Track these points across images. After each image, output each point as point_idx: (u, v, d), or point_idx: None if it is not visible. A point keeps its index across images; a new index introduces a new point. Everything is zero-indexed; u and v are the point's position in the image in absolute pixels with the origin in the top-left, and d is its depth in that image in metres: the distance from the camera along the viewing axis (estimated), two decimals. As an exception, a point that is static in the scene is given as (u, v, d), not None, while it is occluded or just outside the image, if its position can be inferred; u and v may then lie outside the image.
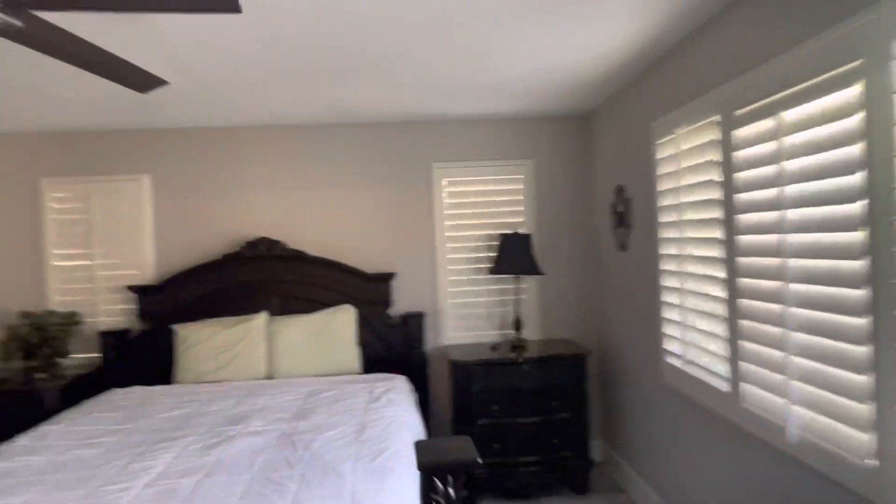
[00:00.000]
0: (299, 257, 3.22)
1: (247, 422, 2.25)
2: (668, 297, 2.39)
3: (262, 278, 3.20)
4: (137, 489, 1.63)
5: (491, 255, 3.31)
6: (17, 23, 1.28)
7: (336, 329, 3.09)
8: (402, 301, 3.36)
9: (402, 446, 1.93)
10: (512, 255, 3.18)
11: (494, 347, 3.17)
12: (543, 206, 3.43)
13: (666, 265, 2.40)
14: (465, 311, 3.40)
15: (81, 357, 3.15)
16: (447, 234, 3.38)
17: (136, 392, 2.76)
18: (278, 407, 2.45)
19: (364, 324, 3.22)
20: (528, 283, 3.39)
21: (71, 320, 3.06)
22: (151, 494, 1.59)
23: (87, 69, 1.55)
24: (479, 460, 1.03)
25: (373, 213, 3.37)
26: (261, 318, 3.08)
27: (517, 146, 3.42)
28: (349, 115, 3.18)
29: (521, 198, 3.42)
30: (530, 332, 3.39)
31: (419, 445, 1.09)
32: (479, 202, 3.40)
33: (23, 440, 2.11)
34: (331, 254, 3.28)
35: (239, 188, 3.30)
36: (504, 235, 3.20)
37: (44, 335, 2.94)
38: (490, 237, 3.36)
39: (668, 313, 2.40)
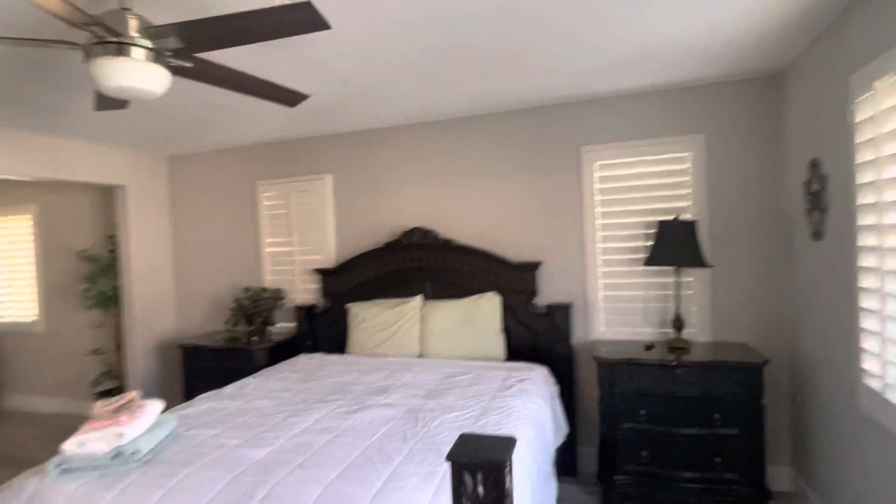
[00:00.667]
0: (449, 245, 3.40)
1: (387, 394, 2.49)
2: (866, 302, 1.86)
3: (417, 264, 3.47)
4: (284, 439, 1.96)
5: (648, 244, 3.00)
6: (188, 64, 1.64)
7: (481, 315, 3.19)
8: (549, 291, 3.28)
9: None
10: (672, 245, 2.83)
11: (649, 347, 2.88)
12: (716, 188, 2.96)
13: (864, 260, 1.87)
14: (618, 304, 3.16)
15: (284, 326, 3.88)
16: (598, 221, 3.17)
17: (316, 358, 3.28)
18: (417, 384, 2.65)
19: (509, 312, 3.25)
20: (694, 276, 2.98)
21: (277, 296, 3.78)
22: (292, 444, 1.90)
23: (245, 93, 1.89)
24: (508, 464, 0.98)
25: (519, 202, 3.35)
26: (416, 301, 3.35)
27: (683, 120, 3.00)
28: (493, 105, 3.20)
29: (688, 178, 3.01)
30: (696, 333, 2.98)
31: (462, 437, 1.09)
32: (634, 186, 3.09)
33: (230, 388, 2.71)
34: (478, 242, 3.38)
35: (398, 182, 3.62)
36: (662, 222, 2.87)
37: (258, 307, 3.70)
38: (647, 224, 3.05)
39: (866, 322, 1.87)
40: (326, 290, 3.71)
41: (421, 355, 3.25)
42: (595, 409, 2.95)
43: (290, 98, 2.01)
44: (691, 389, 2.61)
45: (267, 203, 3.99)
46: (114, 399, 1.94)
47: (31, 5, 1.23)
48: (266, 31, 1.42)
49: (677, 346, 2.82)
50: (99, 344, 4.51)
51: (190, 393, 3.61)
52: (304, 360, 3.24)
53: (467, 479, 0.98)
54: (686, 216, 2.96)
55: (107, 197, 4.52)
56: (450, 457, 1.01)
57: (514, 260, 3.30)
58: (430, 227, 3.47)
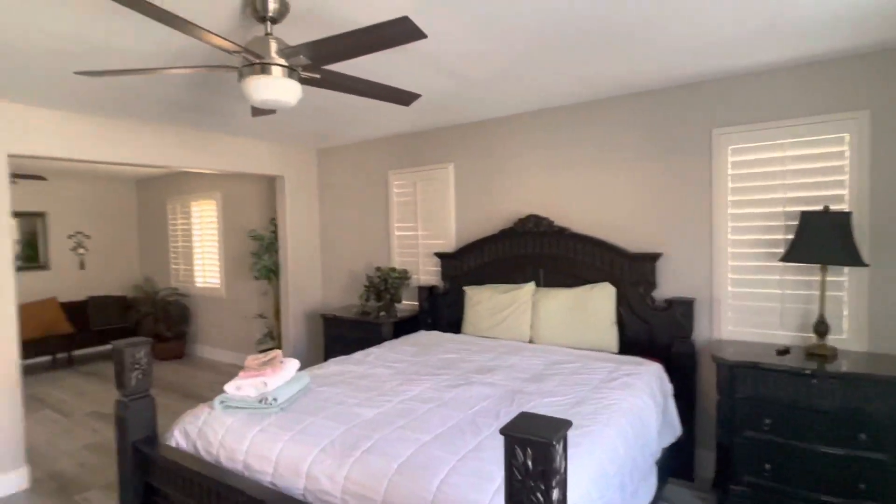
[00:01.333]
0: (563, 233, 3.39)
1: (491, 373, 2.64)
2: None
3: (531, 251, 3.53)
4: (393, 403, 2.22)
5: (788, 238, 2.69)
6: (316, 76, 1.92)
7: (594, 305, 3.15)
8: (670, 284, 3.11)
9: (602, 428, 1.95)
10: (818, 239, 2.51)
11: (783, 352, 2.61)
12: (882, 174, 2.53)
13: None
14: (749, 303, 2.89)
15: (408, 304, 4.23)
16: (730, 211, 2.91)
17: (433, 336, 3.54)
18: (522, 367, 2.75)
19: (623, 303, 3.16)
20: (847, 276, 2.60)
21: (404, 276, 4.13)
22: (398, 408, 2.15)
23: (364, 96, 2.14)
24: (554, 443, 1.05)
25: (639, 190, 3.21)
26: (528, 288, 3.42)
27: (840, 96, 2.60)
28: (612, 88, 3.10)
29: (842, 163, 2.61)
30: (846, 341, 2.61)
31: (521, 414, 1.18)
32: (773, 172, 2.78)
33: (357, 355, 3.08)
34: (593, 230, 3.33)
35: (515, 170, 3.69)
36: (806, 213, 2.55)
37: (387, 285, 4.08)
38: (787, 215, 2.73)
39: None
40: (446, 273, 3.95)
41: (531, 340, 3.32)
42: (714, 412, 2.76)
43: (404, 98, 2.21)
44: (831, 403, 2.32)
45: (397, 191, 4.35)
46: (262, 355, 2.37)
47: (203, 41, 1.57)
48: (374, 43, 1.61)
49: (818, 354, 2.51)
50: (262, 309, 5.37)
51: (328, 355, 4.14)
52: (423, 336, 3.52)
53: (518, 452, 1.08)
54: (838, 207, 2.58)
55: (270, 185, 5.30)
56: (504, 430, 1.11)
57: (631, 250, 3.19)
58: (544, 215, 3.49)
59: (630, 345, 3.12)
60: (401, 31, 1.52)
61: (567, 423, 1.12)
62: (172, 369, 5.82)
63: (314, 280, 4.91)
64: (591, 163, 3.38)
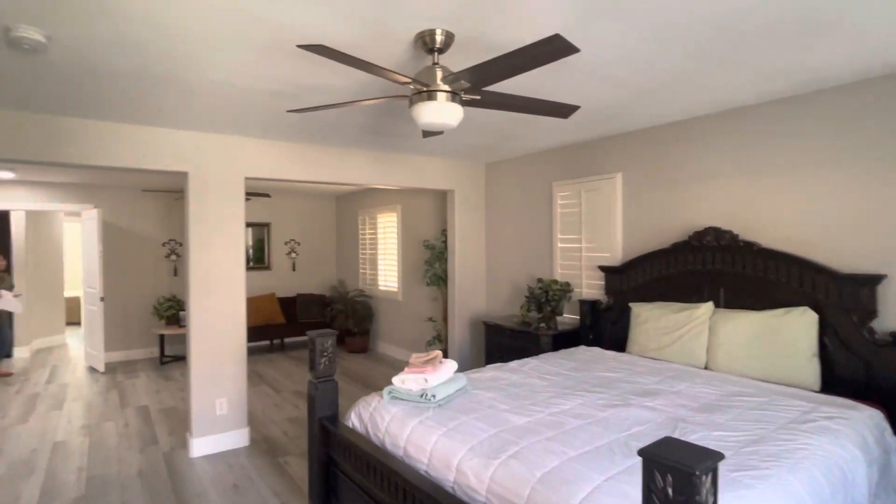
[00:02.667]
0: (751, 249, 2.99)
1: (653, 397, 2.46)
2: None
3: (708, 268, 3.19)
4: (543, 414, 2.22)
5: None
6: (477, 97, 2.05)
7: (788, 333, 2.72)
8: (894, 313, 2.53)
9: (785, 473, 1.68)
10: None
11: None
12: None
13: None
14: None
15: (569, 317, 4.15)
16: None
17: (594, 352, 3.42)
18: (691, 395, 2.50)
19: (829, 333, 2.67)
20: None
21: (566, 288, 4.08)
22: (547, 420, 2.14)
23: (524, 112, 2.20)
24: (699, 473, 0.96)
25: (852, 197, 2.68)
26: (706, 308, 3.10)
27: None
28: (808, 83, 2.65)
29: None
30: None
31: (665, 439, 1.11)
32: None
33: (513, 363, 3.14)
34: (789, 246, 2.87)
35: (688, 178, 3.38)
36: None
37: (548, 297, 4.08)
38: None
39: None
40: (610, 288, 3.79)
41: (706, 367, 3.00)
42: (963, 482, 2.15)
43: (562, 111, 2.22)
44: None
45: (561, 202, 4.32)
46: (424, 354, 2.58)
47: (382, 77, 1.83)
48: (528, 62, 1.68)
49: None
50: (432, 313, 5.78)
51: (488, 361, 4.29)
52: (582, 352, 3.43)
53: (657, 477, 1.02)
54: None
55: (442, 199, 5.70)
56: (642, 451, 1.06)
57: (841, 270, 2.68)
58: (726, 228, 3.13)
59: (836, 383, 2.61)
60: (553, 49, 1.55)
61: (718, 456, 1.02)
62: (357, 361, 6.61)
63: (479, 289, 5.13)
64: (787, 168, 2.93)
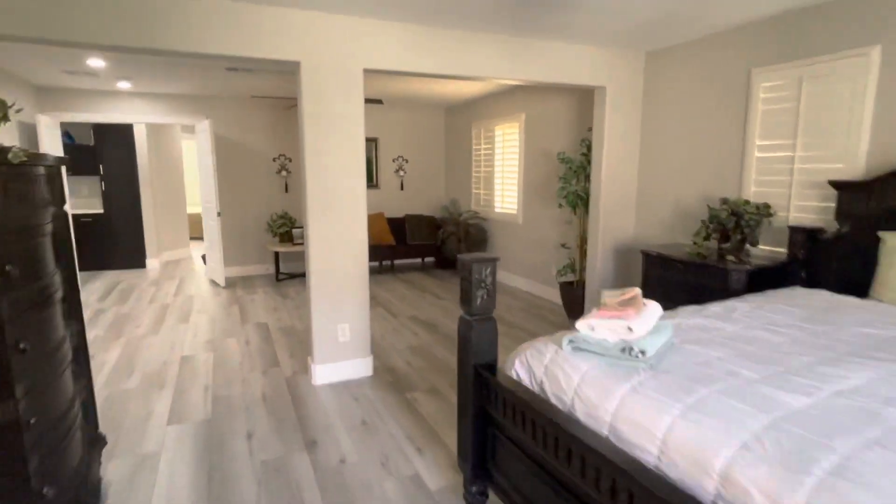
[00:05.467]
0: None
1: None
2: None
3: None
4: (826, 393, 1.45)
5: None
6: None
7: None
8: None
9: None
10: None
11: None
12: None
13: None
14: None
15: (767, 249, 3.20)
16: None
17: (822, 296, 2.52)
18: None
19: None
20: None
21: (764, 212, 3.10)
22: (843, 405, 1.38)
23: None
24: None
25: None
26: None
27: None
28: None
29: None
30: None
31: None
32: None
33: (714, 307, 2.35)
34: None
35: None
36: None
37: (737, 221, 3.14)
38: None
39: None
40: (843, 210, 2.77)
41: None
42: None
43: None
44: None
45: (765, 96, 3.22)
46: (619, 291, 1.87)
47: None
48: None
49: None
50: (564, 239, 5.02)
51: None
52: (803, 295, 2.54)
53: None
54: None
55: (581, 101, 4.73)
56: None
57: None
58: None
59: None
60: None
61: None
62: (471, 288, 6.12)
63: (627, 210, 4.25)
64: None
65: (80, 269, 6.59)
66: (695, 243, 3.42)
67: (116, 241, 7.24)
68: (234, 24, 2.85)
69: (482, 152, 6.65)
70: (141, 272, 7.15)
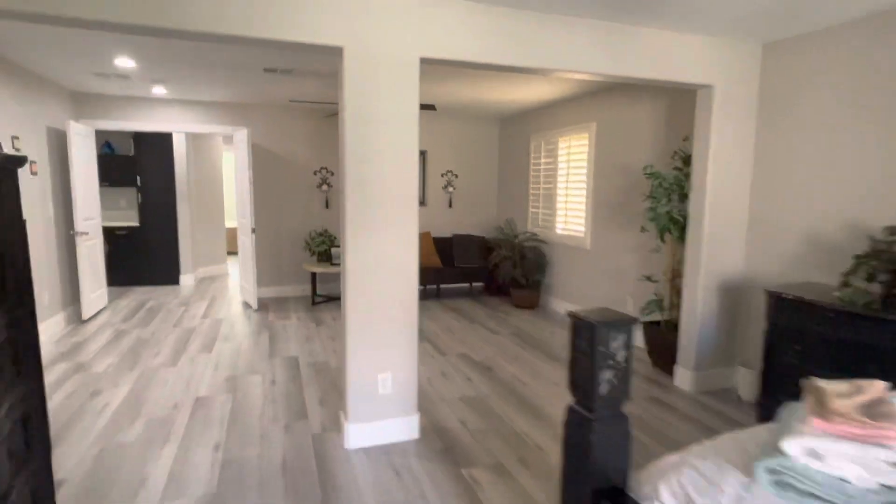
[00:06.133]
0: None
1: None
2: None
3: None
4: None
5: None
6: None
7: None
8: None
9: None
10: None
11: None
12: None
13: None
14: None
15: (963, 297, 2.34)
16: None
17: None
18: None
19: None
20: None
21: (953, 246, 2.27)
22: None
23: None
24: None
25: None
26: None
27: None
28: None
29: None
30: None
31: None
32: None
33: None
34: None
35: None
36: None
37: (917, 258, 2.31)
38: None
39: None
40: None
41: None
42: None
43: None
44: None
45: (958, 89, 2.40)
46: (846, 383, 1.12)
47: None
48: None
49: None
50: (649, 269, 4.22)
51: (773, 355, 2.72)
52: None
53: None
54: None
55: (675, 105, 3.97)
56: None
57: None
58: None
59: None
60: None
61: None
62: (526, 320, 5.37)
63: (736, 238, 3.44)
64: None
65: (111, 285, 6.25)
66: (846, 284, 2.59)
67: (151, 255, 6.91)
68: (264, 3, 2.29)
69: (542, 167, 5.94)
70: (173, 289, 6.77)
